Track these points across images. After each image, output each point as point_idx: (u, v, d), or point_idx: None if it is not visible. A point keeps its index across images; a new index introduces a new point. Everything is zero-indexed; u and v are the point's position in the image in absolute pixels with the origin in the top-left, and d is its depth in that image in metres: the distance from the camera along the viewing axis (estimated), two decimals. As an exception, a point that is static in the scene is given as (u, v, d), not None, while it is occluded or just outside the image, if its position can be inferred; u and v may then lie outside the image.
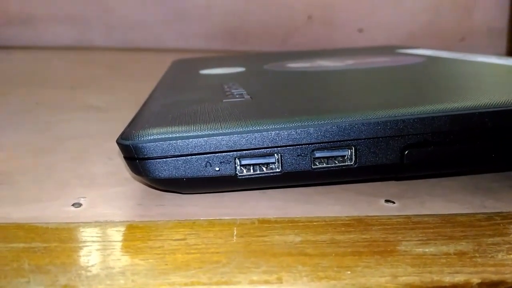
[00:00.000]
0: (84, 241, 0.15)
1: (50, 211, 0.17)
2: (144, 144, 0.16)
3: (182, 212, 0.17)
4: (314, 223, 0.16)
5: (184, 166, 0.17)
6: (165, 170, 0.17)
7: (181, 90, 0.26)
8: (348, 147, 0.17)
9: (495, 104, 0.17)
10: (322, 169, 0.17)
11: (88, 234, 0.16)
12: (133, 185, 0.20)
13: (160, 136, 0.17)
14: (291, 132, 0.17)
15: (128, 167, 0.18)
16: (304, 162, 0.17)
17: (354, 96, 0.22)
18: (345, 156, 0.17)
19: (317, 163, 0.17)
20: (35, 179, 0.20)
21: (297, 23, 0.80)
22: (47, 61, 0.67)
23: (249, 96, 0.21)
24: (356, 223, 0.16)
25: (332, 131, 0.17)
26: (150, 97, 0.25)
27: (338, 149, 0.17)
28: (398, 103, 0.18)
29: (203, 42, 0.80)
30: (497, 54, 0.66)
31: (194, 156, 0.17)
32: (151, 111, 0.21)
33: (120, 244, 0.15)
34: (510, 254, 0.14)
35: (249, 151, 0.17)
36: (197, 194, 0.19)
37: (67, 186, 0.19)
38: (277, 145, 0.17)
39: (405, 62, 0.33)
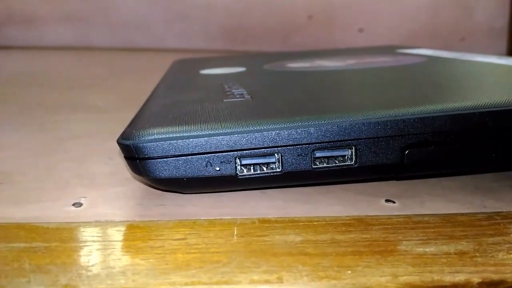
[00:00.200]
0: (85, 241, 0.15)
1: (51, 211, 0.17)
2: (144, 144, 0.16)
3: (183, 212, 0.17)
4: (315, 223, 0.16)
5: (185, 166, 0.17)
6: (165, 170, 0.17)
7: (182, 90, 0.26)
8: (349, 147, 0.17)
9: (495, 104, 0.17)
10: (322, 169, 0.17)
11: (88, 234, 0.16)
12: (133, 185, 0.20)
13: (160, 136, 0.17)
14: (291, 132, 0.17)
15: (128, 167, 0.18)
16: (304, 162, 0.17)
17: (355, 96, 0.22)
18: (345, 156, 0.17)
19: (317, 163, 0.17)
20: (35, 179, 0.20)
21: (297, 23, 0.80)
22: (47, 61, 0.67)
23: (249, 96, 0.21)
24: (356, 222, 0.16)
25: (333, 131, 0.17)
26: (151, 97, 0.25)
27: (338, 149, 0.17)
28: (398, 103, 0.18)
29: (203, 42, 0.80)
30: (497, 54, 0.66)
31: (194, 156, 0.17)
32: (151, 111, 0.21)
33: (120, 244, 0.15)
34: (510, 253, 0.14)
35: (249, 151, 0.17)
36: (198, 194, 0.19)
37: (67, 186, 0.19)
38: (277, 145, 0.17)
39: (406, 62, 0.33)
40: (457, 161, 0.18)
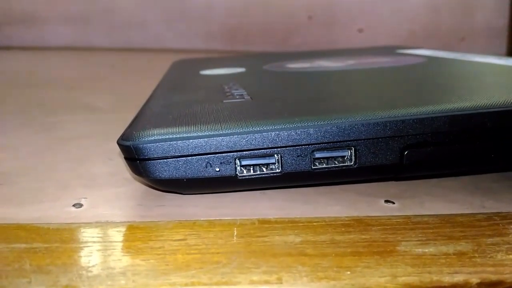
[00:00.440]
0: (85, 242, 0.15)
1: (51, 211, 0.17)
2: (144, 145, 0.16)
3: (183, 213, 0.17)
4: (314, 224, 0.16)
5: (185, 167, 0.17)
6: (165, 170, 0.17)
7: (182, 91, 0.26)
8: (348, 147, 0.17)
9: (494, 104, 0.17)
10: (322, 170, 0.17)
11: (89, 234, 0.16)
12: (133, 186, 0.20)
13: (160, 137, 0.17)
14: (291, 132, 0.17)
15: (128, 168, 0.18)
16: (304, 163, 0.17)
17: (354, 97, 0.22)
18: (345, 156, 0.17)
19: (317, 164, 0.17)
20: (35, 179, 0.20)
21: (297, 23, 0.80)
22: (47, 61, 0.67)
23: (249, 97, 0.22)
24: (356, 223, 0.16)
25: (332, 131, 0.17)
26: (151, 97, 0.25)
27: (338, 149, 0.17)
28: (398, 103, 0.18)
29: (203, 42, 0.81)
30: (497, 54, 0.66)
31: (194, 157, 0.17)
32: (151, 111, 0.21)
33: (120, 244, 0.15)
34: (509, 254, 0.14)
35: (249, 151, 0.17)
36: (198, 194, 0.19)
37: (68, 187, 0.20)
38: (277, 146, 0.17)
39: (405, 62, 0.33)
40: (456, 161, 0.18)
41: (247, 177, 0.17)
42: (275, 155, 0.17)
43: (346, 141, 0.17)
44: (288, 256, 0.14)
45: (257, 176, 0.17)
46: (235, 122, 0.17)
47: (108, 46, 0.79)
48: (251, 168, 0.17)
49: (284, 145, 0.17)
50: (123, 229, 0.16)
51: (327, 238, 0.15)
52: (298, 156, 0.17)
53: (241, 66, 0.35)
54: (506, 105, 0.17)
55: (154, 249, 0.15)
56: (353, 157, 0.17)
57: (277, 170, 0.17)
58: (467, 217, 0.17)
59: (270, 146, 0.17)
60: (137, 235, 0.16)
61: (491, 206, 0.18)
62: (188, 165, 0.17)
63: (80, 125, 0.30)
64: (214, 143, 0.17)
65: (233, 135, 0.17)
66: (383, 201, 0.18)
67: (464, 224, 0.16)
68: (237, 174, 0.17)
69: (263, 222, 0.17)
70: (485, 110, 0.17)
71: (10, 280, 0.13)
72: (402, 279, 0.13)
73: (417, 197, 0.18)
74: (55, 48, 0.78)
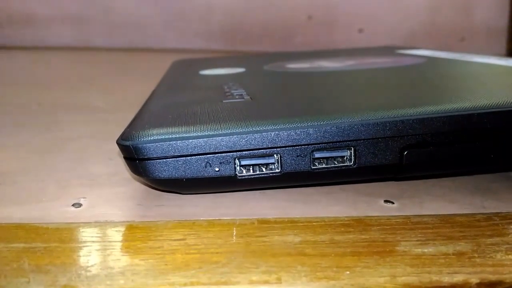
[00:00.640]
0: (84, 241, 0.15)
1: (51, 211, 0.17)
2: (144, 145, 0.16)
3: (182, 213, 0.17)
4: (314, 224, 0.16)
5: (184, 167, 0.17)
6: (165, 170, 0.17)
7: (181, 91, 0.26)
8: (348, 147, 0.17)
9: (494, 105, 0.17)
10: (321, 170, 0.17)
11: (88, 234, 0.16)
12: (133, 186, 0.20)
13: (160, 137, 0.17)
14: (290, 132, 0.17)
15: (128, 168, 0.18)
16: (303, 163, 0.17)
17: (354, 97, 0.22)
18: (344, 156, 0.17)
19: (316, 164, 0.17)
20: (35, 179, 0.20)
21: (297, 23, 0.80)
22: (47, 61, 0.67)
23: (249, 97, 0.22)
24: (355, 223, 0.16)
25: (332, 131, 0.17)
26: (150, 97, 0.25)
27: (337, 149, 0.17)
28: (397, 103, 0.18)
29: (203, 42, 0.81)
30: (497, 54, 0.67)
31: (194, 157, 0.17)
32: (151, 111, 0.21)
33: (120, 244, 0.15)
34: (508, 254, 0.14)
35: (248, 151, 0.17)
36: (197, 194, 0.19)
37: (67, 186, 0.20)
38: (276, 146, 0.17)
39: (405, 62, 0.33)
40: (456, 162, 0.18)
41: (247, 177, 0.17)
42: (275, 155, 0.17)
43: (346, 141, 0.17)
44: (287, 256, 0.14)
45: (257, 176, 0.17)
46: (234, 122, 0.17)
47: (108, 46, 0.79)
48: (251, 168, 0.17)
49: (283, 145, 0.17)
50: (122, 229, 0.16)
51: (326, 238, 0.15)
52: (297, 156, 0.17)
53: (240, 66, 0.35)
54: (506, 106, 0.17)
55: (153, 249, 0.15)
56: (352, 157, 0.17)
57: (277, 170, 0.17)
58: (466, 217, 0.17)
59: (269, 146, 0.17)
60: (137, 235, 0.16)
61: (491, 206, 0.18)
62: (187, 165, 0.17)
63: (80, 125, 0.30)
64: (214, 143, 0.17)
65: (233, 135, 0.17)
66: (382, 201, 0.18)
67: (463, 224, 0.16)
68: (236, 174, 0.17)
69: (262, 222, 0.17)
70: (484, 111, 0.17)
71: (9, 279, 0.13)
72: (402, 279, 0.13)
73: (416, 197, 0.18)
74: (55, 48, 0.78)
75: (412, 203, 0.18)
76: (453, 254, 0.14)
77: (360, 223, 0.16)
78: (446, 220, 0.17)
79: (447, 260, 0.14)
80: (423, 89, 0.22)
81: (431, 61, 0.33)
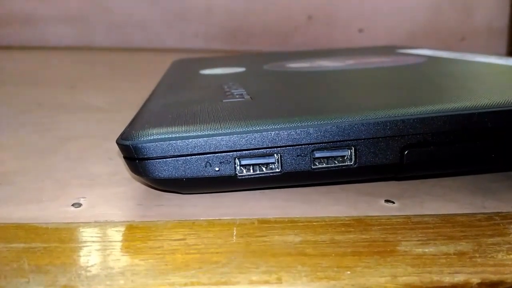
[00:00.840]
0: (84, 241, 0.15)
1: (50, 211, 0.17)
2: (144, 144, 0.16)
3: (182, 212, 0.17)
4: (314, 223, 0.16)
5: (184, 166, 0.17)
6: (165, 170, 0.17)
7: (181, 90, 0.26)
8: (348, 147, 0.17)
9: (495, 104, 0.17)
10: (321, 169, 0.17)
11: (88, 234, 0.16)
12: (133, 185, 0.20)
13: (160, 136, 0.17)
14: (291, 132, 0.17)
15: (128, 167, 0.18)
16: (303, 162, 0.17)
17: (354, 96, 0.22)
18: (344, 156, 0.17)
19: (316, 163, 0.17)
20: (35, 179, 0.20)
21: (297, 23, 0.80)
22: (47, 61, 0.67)
23: (249, 96, 0.21)
24: (355, 223, 0.16)
25: (332, 131, 0.17)
26: (150, 97, 0.25)
27: (337, 149, 0.17)
28: (398, 103, 0.18)
29: (203, 42, 0.81)
30: (497, 54, 0.66)
31: (194, 156, 0.17)
32: (151, 111, 0.21)
33: (119, 244, 0.15)
34: (510, 254, 0.14)
35: (249, 151, 0.17)
36: (197, 194, 0.19)
37: (67, 186, 0.19)
38: (277, 145, 0.17)
39: (405, 62, 0.33)
40: (456, 161, 0.18)
41: (247, 176, 0.17)
42: (275, 155, 0.17)
43: (346, 140, 0.17)
44: (287, 256, 0.14)
45: (257, 175, 0.17)
46: (234, 122, 0.17)
47: (108, 46, 0.79)
48: (251, 168, 0.17)
49: (284, 144, 0.17)
50: (122, 228, 0.16)
51: (327, 238, 0.15)
52: (298, 155, 0.17)
53: (241, 65, 0.35)
54: (506, 105, 0.17)
55: (153, 249, 0.15)
56: (353, 156, 0.17)
57: (277, 170, 0.17)
58: (467, 217, 0.17)
59: (270, 146, 0.17)
60: (136, 235, 0.16)
61: (492, 206, 0.18)
62: (187, 165, 0.17)
63: (79, 124, 0.30)
64: (214, 142, 0.16)
65: (233, 135, 0.16)
66: (383, 201, 0.18)
67: (464, 224, 0.16)
68: (236, 174, 0.17)
69: (262, 222, 0.16)
70: (485, 110, 0.17)
71: (9, 280, 0.13)
72: (402, 279, 0.13)
73: (417, 197, 0.18)
74: (55, 48, 0.78)
75: (412, 203, 0.18)
76: (454, 254, 0.14)
77: (361, 223, 0.16)
78: (447, 220, 0.17)
79: (448, 260, 0.14)
80: (424, 89, 0.22)
81: (431, 60, 0.33)
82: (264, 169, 0.17)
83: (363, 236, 0.15)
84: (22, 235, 0.16)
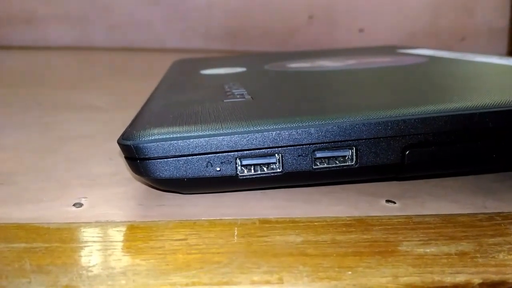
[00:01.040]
0: (85, 241, 0.15)
1: (51, 211, 0.17)
2: (145, 144, 0.16)
3: (183, 212, 0.17)
4: (315, 223, 0.16)
5: (185, 166, 0.17)
6: (166, 170, 0.17)
7: (182, 90, 0.26)
8: (349, 147, 0.17)
9: (496, 104, 0.17)
10: (323, 169, 0.17)
11: (89, 234, 0.16)
12: (134, 185, 0.20)
13: (161, 136, 0.17)
14: (292, 132, 0.17)
15: (129, 167, 0.18)
16: (305, 162, 0.17)
17: (355, 96, 0.22)
18: (346, 156, 0.17)
19: (318, 163, 0.17)
20: (36, 179, 0.20)
21: (297, 23, 0.80)
22: (47, 61, 0.67)
23: (250, 96, 0.21)
24: (357, 223, 0.16)
25: (333, 131, 0.17)
26: (151, 97, 0.25)
27: (339, 149, 0.17)
28: (399, 103, 0.18)
29: (203, 42, 0.81)
30: (498, 54, 0.66)
31: (195, 156, 0.17)
32: (152, 111, 0.21)
33: (121, 244, 0.15)
34: (511, 254, 0.14)
35: (250, 151, 0.17)
36: (198, 194, 0.19)
37: (68, 186, 0.19)
38: (278, 145, 0.17)
39: (406, 62, 0.33)
40: (457, 161, 0.18)
41: (248, 176, 0.17)
42: (276, 155, 0.17)
43: (347, 140, 0.17)
44: (289, 256, 0.14)
45: (258, 175, 0.17)
46: (235, 122, 0.17)
47: (108, 46, 0.79)
48: (252, 168, 0.17)
49: (285, 144, 0.17)
50: (123, 228, 0.16)
51: (328, 238, 0.15)
52: (299, 155, 0.17)
53: (241, 65, 0.35)
54: (507, 105, 0.17)
55: (154, 249, 0.15)
56: (354, 156, 0.17)
57: (278, 170, 0.17)
58: (468, 217, 0.17)
59: (271, 146, 0.17)
60: (138, 235, 0.16)
61: (493, 206, 0.18)
62: (188, 165, 0.17)
63: (80, 124, 0.30)
64: (215, 142, 0.16)
65: (234, 135, 0.16)
66: (384, 201, 0.18)
67: (465, 224, 0.16)
68: (237, 174, 0.17)
69: (264, 222, 0.16)
70: (486, 110, 0.17)
71: (10, 280, 0.13)
72: (404, 279, 0.13)
73: (418, 197, 0.18)
74: (55, 48, 0.78)
75: (414, 203, 0.18)
76: (455, 254, 0.14)
77: (362, 223, 0.16)
78: (448, 220, 0.17)
79: (449, 260, 0.14)
80: (424, 89, 0.22)
81: (432, 60, 0.33)
82: (265, 169, 0.17)
83: (364, 236, 0.15)
84: (23, 235, 0.16)
